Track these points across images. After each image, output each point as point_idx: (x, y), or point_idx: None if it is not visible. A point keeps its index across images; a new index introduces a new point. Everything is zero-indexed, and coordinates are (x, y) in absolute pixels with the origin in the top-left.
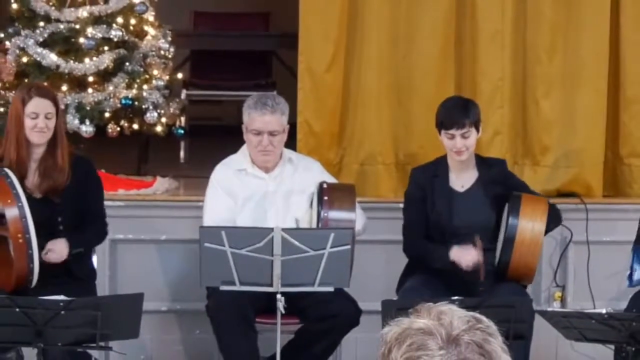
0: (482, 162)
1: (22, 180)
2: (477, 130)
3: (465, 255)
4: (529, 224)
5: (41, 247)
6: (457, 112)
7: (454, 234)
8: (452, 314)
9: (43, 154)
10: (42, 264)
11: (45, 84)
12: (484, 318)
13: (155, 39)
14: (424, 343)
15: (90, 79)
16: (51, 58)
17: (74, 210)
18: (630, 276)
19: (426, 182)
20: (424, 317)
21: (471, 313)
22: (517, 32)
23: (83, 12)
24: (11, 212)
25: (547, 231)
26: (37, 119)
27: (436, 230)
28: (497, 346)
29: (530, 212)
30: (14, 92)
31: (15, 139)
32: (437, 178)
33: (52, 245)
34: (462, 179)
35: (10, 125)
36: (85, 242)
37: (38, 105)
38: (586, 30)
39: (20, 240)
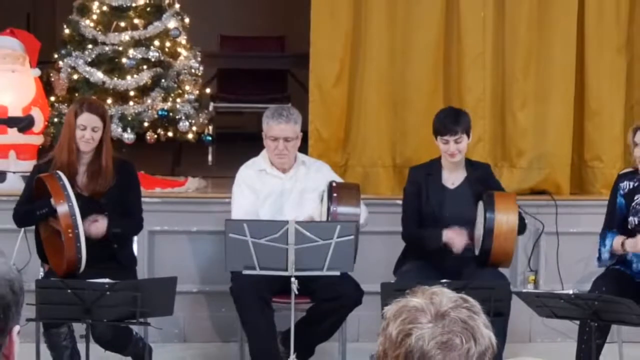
0: (470, 164)
1: (72, 180)
2: (468, 136)
3: (457, 238)
4: (503, 217)
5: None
6: (450, 121)
7: (444, 224)
8: (443, 295)
9: (90, 159)
10: (90, 249)
11: (94, 97)
12: (470, 299)
13: (187, 59)
14: (416, 317)
15: (132, 93)
16: (98, 75)
17: (117, 206)
18: (599, 258)
19: (421, 179)
20: (418, 297)
21: (460, 294)
22: (496, 55)
23: (125, 36)
24: (63, 210)
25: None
26: (85, 131)
27: (429, 220)
28: (480, 322)
29: (504, 207)
30: (66, 104)
31: (66, 145)
32: (431, 176)
33: (94, 218)
34: (453, 177)
35: (64, 133)
36: (122, 226)
37: (87, 120)
38: (555, 53)
39: (70, 235)
